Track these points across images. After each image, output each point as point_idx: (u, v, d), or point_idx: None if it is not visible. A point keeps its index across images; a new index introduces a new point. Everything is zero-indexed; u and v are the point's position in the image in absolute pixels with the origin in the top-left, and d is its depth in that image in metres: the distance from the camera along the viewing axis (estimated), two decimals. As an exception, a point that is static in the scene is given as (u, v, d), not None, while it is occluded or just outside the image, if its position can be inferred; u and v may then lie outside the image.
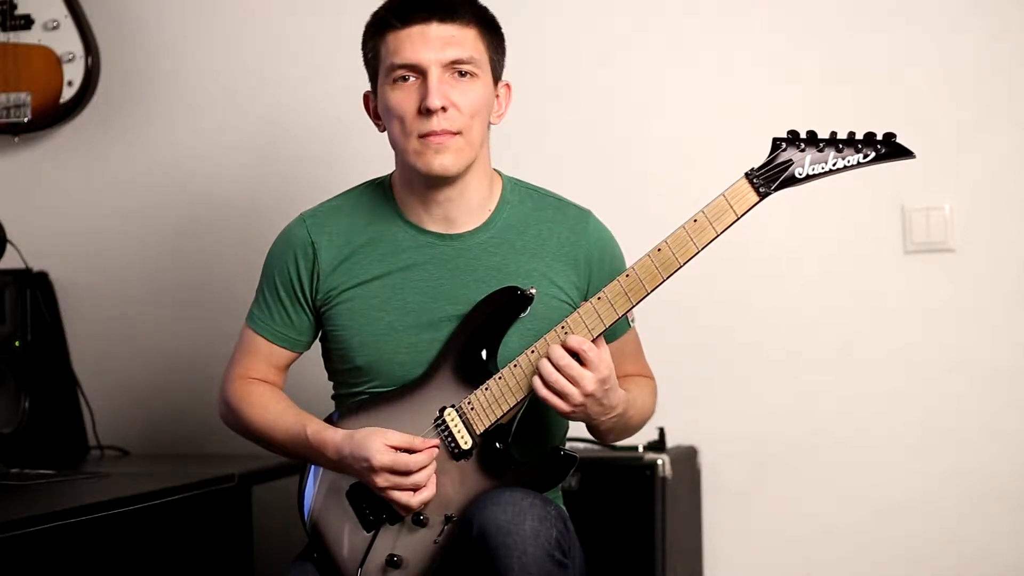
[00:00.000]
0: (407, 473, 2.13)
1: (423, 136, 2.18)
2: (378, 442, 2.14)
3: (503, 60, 2.27)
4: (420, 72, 2.18)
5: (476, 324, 2.21)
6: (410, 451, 2.15)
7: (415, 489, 2.15)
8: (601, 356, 2.11)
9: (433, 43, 2.16)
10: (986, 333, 3.06)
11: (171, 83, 3.50)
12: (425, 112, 2.17)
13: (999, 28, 3.05)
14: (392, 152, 2.29)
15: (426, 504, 2.17)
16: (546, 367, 2.10)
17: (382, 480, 2.14)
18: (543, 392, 2.10)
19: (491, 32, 2.24)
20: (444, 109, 2.16)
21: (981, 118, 3.06)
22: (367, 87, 2.30)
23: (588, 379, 2.09)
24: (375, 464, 2.13)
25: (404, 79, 2.19)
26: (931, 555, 3.07)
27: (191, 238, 3.48)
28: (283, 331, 2.32)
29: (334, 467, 2.22)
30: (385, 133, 2.27)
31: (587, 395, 2.10)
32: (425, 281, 2.25)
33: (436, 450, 2.16)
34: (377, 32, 2.22)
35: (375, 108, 2.27)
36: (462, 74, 2.19)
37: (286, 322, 2.32)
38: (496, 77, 2.25)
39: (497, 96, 2.26)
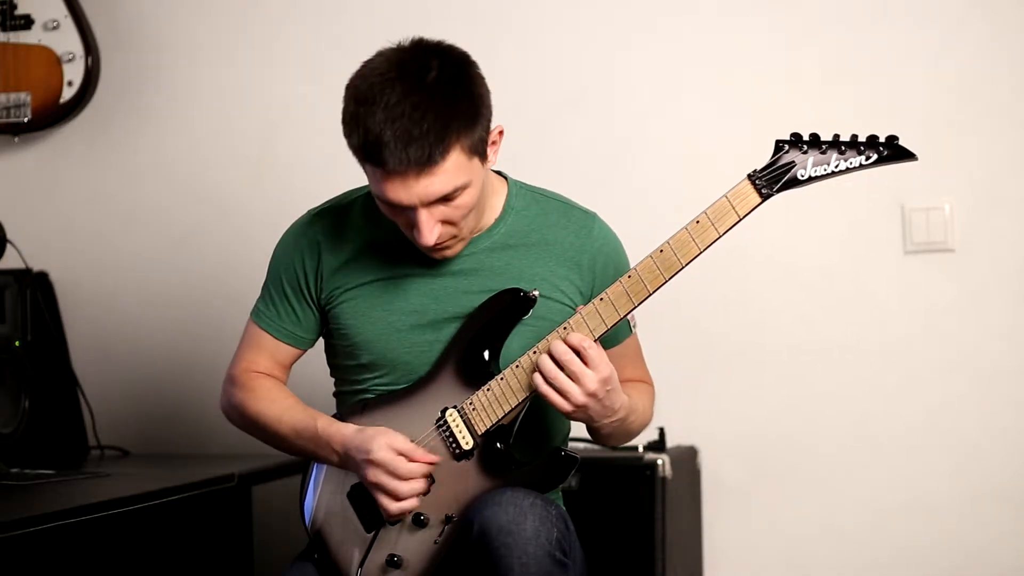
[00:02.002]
0: (396, 476, 2.13)
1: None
2: (382, 440, 2.15)
3: (488, 124, 2.15)
4: (408, 207, 2.12)
5: (479, 325, 2.21)
6: (410, 458, 2.15)
7: (395, 496, 2.15)
8: (602, 356, 2.11)
9: (415, 191, 2.08)
10: (986, 333, 3.06)
11: (171, 83, 3.51)
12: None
13: (999, 28, 3.06)
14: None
15: (402, 515, 2.17)
16: (547, 363, 2.10)
17: (372, 475, 2.14)
18: (544, 389, 2.10)
19: (470, 129, 2.09)
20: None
21: (981, 118, 3.06)
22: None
23: (590, 377, 2.09)
24: (372, 457, 2.14)
25: (391, 206, 2.13)
26: (931, 555, 3.07)
27: (191, 238, 3.49)
28: (289, 328, 2.32)
29: (336, 459, 2.22)
30: None
31: (589, 394, 2.10)
32: (430, 283, 2.25)
33: (428, 467, 2.15)
34: (356, 151, 2.12)
35: None
36: (451, 198, 2.12)
37: (292, 319, 2.32)
38: (484, 150, 2.15)
39: (493, 144, 2.19)
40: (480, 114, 2.11)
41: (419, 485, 2.15)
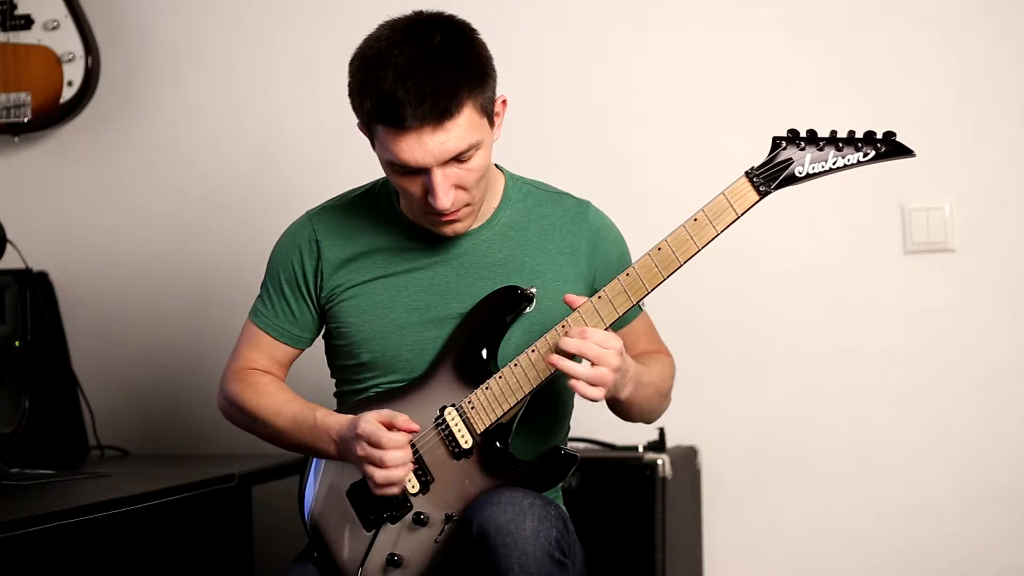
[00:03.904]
0: (379, 446, 2.12)
1: (433, 214, 2.17)
2: (368, 415, 2.15)
3: (495, 86, 2.18)
4: (422, 170, 2.13)
5: (476, 323, 2.21)
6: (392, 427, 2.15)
7: (381, 465, 2.12)
8: (600, 330, 2.10)
9: (431, 149, 2.10)
10: (986, 333, 3.06)
11: (171, 83, 3.51)
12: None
13: (999, 28, 3.06)
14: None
15: (393, 486, 2.14)
16: (575, 367, 2.07)
17: (360, 449, 2.14)
18: (585, 390, 2.08)
19: (481, 88, 2.12)
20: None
21: (981, 118, 3.06)
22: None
23: (609, 353, 2.08)
24: (357, 431, 2.14)
25: (405, 171, 2.14)
26: (931, 555, 3.07)
27: (191, 238, 3.49)
28: (287, 328, 2.33)
29: (333, 449, 2.22)
30: None
31: (615, 369, 2.09)
32: (430, 279, 2.26)
33: (408, 436, 2.14)
34: (369, 116, 2.12)
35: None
36: (465, 158, 2.14)
37: (290, 319, 2.32)
38: (492, 115, 2.18)
39: (497, 115, 2.21)
40: (488, 74, 2.15)
41: (403, 454, 2.13)
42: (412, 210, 2.23)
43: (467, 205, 2.18)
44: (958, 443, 3.07)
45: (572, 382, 2.09)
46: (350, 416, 2.20)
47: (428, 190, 2.13)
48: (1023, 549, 3.03)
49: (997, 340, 3.06)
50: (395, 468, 2.13)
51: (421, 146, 2.09)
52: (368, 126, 2.16)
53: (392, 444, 2.12)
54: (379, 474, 2.13)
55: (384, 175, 2.33)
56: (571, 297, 2.15)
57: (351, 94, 2.15)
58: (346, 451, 2.19)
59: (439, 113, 2.07)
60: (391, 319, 2.25)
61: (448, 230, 2.21)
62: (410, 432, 2.15)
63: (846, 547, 3.12)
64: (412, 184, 2.15)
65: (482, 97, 2.13)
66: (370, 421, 2.14)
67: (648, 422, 2.34)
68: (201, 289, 3.47)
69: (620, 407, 2.25)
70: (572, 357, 2.10)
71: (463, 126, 2.10)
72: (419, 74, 2.07)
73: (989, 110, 3.05)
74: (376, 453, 2.12)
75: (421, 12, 2.17)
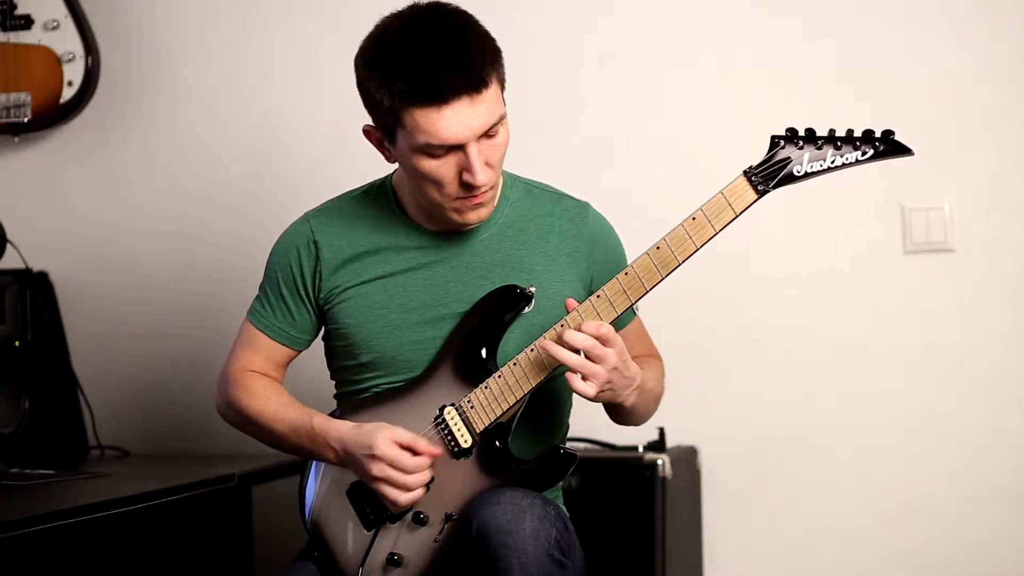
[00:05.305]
0: (403, 470, 2.14)
1: (463, 198, 2.17)
2: (383, 434, 2.15)
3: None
4: (458, 147, 2.14)
5: (476, 323, 2.21)
6: (413, 451, 2.15)
7: (405, 489, 2.15)
8: (612, 330, 2.11)
9: (469, 121, 2.10)
10: (986, 333, 3.06)
11: (171, 83, 3.51)
12: (467, 183, 2.15)
13: (999, 28, 3.06)
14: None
15: (411, 506, 2.18)
16: (572, 357, 2.09)
17: (377, 469, 2.14)
18: (575, 384, 2.09)
19: (499, 62, 2.17)
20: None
21: (981, 118, 3.06)
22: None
23: (610, 354, 2.09)
24: (376, 452, 2.14)
25: (440, 153, 2.14)
26: (931, 555, 3.07)
27: (191, 238, 3.49)
28: (284, 328, 2.32)
29: (333, 456, 2.22)
30: (395, 165, 2.27)
31: (612, 369, 2.10)
32: (429, 279, 2.26)
33: (432, 458, 2.16)
34: (401, 99, 2.11)
35: (380, 140, 2.23)
36: (493, 132, 2.15)
37: (288, 320, 2.32)
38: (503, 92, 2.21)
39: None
40: (500, 50, 2.17)
41: (426, 476, 2.16)
42: (435, 201, 2.20)
43: (491, 188, 2.19)
44: (958, 443, 3.06)
45: (567, 374, 2.10)
46: (352, 425, 2.20)
47: (465, 168, 2.13)
48: (1023, 549, 3.03)
49: (997, 340, 3.06)
50: (417, 490, 2.16)
51: (459, 121, 2.10)
52: (393, 115, 2.13)
53: (415, 468, 2.15)
54: (403, 498, 2.15)
55: (380, 178, 2.35)
56: (571, 301, 2.15)
57: (369, 87, 2.15)
58: (352, 463, 2.19)
59: (474, 84, 2.09)
60: (390, 319, 2.25)
61: (473, 216, 2.20)
62: (433, 456, 2.16)
63: (846, 547, 3.12)
64: (444, 167, 2.14)
65: (501, 71, 2.16)
66: (389, 443, 2.14)
67: (638, 425, 2.34)
68: (201, 289, 3.47)
69: (621, 413, 2.26)
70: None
71: (492, 98, 2.12)
72: (447, 49, 2.09)
73: (989, 110, 3.06)
74: (400, 478, 2.14)
75: (416, 3, 2.18)
